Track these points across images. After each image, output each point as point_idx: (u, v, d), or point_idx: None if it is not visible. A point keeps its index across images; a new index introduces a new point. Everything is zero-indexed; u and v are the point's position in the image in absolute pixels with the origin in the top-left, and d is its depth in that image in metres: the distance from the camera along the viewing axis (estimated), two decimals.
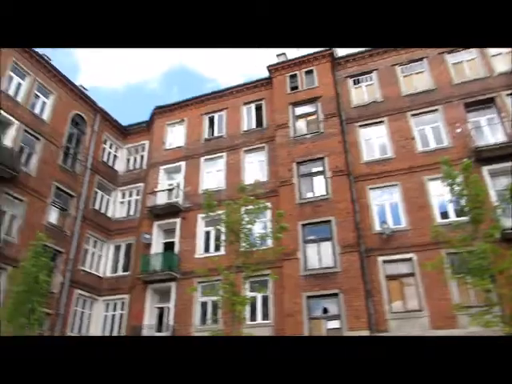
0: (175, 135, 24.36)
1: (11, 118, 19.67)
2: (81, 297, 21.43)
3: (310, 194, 18.59)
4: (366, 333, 14.77)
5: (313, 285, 16.38)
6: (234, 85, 24.16)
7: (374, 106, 19.82)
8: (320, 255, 17.09)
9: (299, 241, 17.36)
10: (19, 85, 20.74)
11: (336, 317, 15.76)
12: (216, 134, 23.31)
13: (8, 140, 19.38)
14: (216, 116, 23.82)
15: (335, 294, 15.94)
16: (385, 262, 16.40)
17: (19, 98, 20.45)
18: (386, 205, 17.67)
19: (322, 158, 18.92)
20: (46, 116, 21.82)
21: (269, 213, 17.71)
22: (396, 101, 19.46)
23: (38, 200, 20.21)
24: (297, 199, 18.39)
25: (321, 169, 18.88)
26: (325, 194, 18.13)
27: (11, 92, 20.19)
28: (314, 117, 20.56)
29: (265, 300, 17.48)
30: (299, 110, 21.05)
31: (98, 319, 21.79)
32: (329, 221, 17.37)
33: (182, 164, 22.90)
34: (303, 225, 17.66)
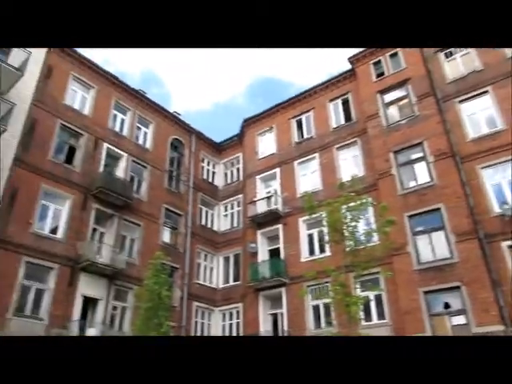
0: (266, 143, 24.80)
1: (120, 151, 21.73)
2: (199, 308, 22.69)
3: (412, 183, 17.56)
4: (498, 327, 13.39)
5: (429, 279, 15.34)
6: (316, 84, 23.93)
7: (474, 76, 18.01)
8: (432, 246, 15.97)
9: (407, 234, 16.45)
10: (122, 120, 22.85)
11: (461, 312, 14.49)
12: (306, 135, 23.25)
13: (120, 171, 21.43)
14: (303, 118, 23.78)
15: (456, 287, 14.70)
16: (510, 247, 14.72)
17: (124, 133, 22.52)
18: (502, 183, 15.88)
19: (420, 143, 17.80)
20: (148, 145, 23.72)
21: (371, 208, 17.13)
22: (500, 65, 17.34)
23: (152, 222, 21.96)
24: (398, 190, 17.49)
25: (421, 154, 17.76)
26: (429, 180, 16.99)
27: (117, 128, 22.33)
28: (405, 101, 19.49)
29: (378, 299, 16.79)
30: (388, 97, 20.13)
31: (217, 329, 22.85)
32: (437, 209, 16.20)
33: (277, 171, 23.20)
34: (409, 216, 16.70)
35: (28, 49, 16.87)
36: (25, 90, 17.75)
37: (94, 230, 19.44)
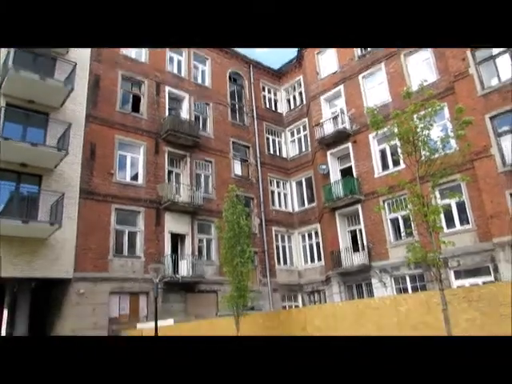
0: (327, 62, 23.62)
1: (181, 92, 22.04)
2: (278, 233, 23.64)
3: (494, 81, 15.91)
4: None
5: None
6: None
7: None
8: None
9: (490, 136, 15.32)
10: (179, 62, 22.89)
11: None
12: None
13: (184, 112, 21.90)
14: None
15: None
16: None
17: (182, 74, 22.64)
18: None
19: None
20: (207, 82, 23.73)
21: (447, 114, 16.08)
22: None
23: (222, 157, 22.60)
24: (478, 91, 16.01)
25: (503, 48, 15.89)
26: None
27: (175, 70, 22.48)
28: None
29: (461, 206, 16.25)
30: None
31: (297, 250, 23.84)
32: None
33: (341, 88, 22.24)
34: (491, 117, 15.44)
35: None
36: (83, 49, 18.24)
37: (170, 172, 20.50)
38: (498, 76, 15.84)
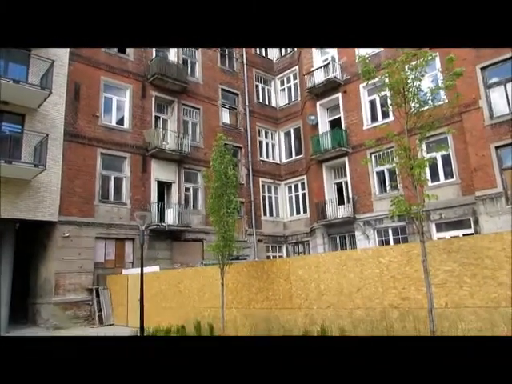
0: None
1: None
2: (265, 184, 23.70)
3: None
4: None
5: (502, 133, 14.48)
6: None
7: None
8: (508, 98, 14.73)
9: (480, 87, 15.18)
10: None
11: None
12: None
13: (172, 55, 21.10)
14: None
15: None
16: None
17: None
18: None
19: None
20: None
21: (438, 65, 15.74)
22: None
23: (210, 105, 22.10)
24: None
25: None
26: None
27: None
28: None
29: (446, 159, 16.41)
30: None
31: (283, 201, 24.04)
32: None
33: None
34: (482, 68, 15.22)
35: None
36: None
37: (157, 117, 20.04)
38: None
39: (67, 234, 15.78)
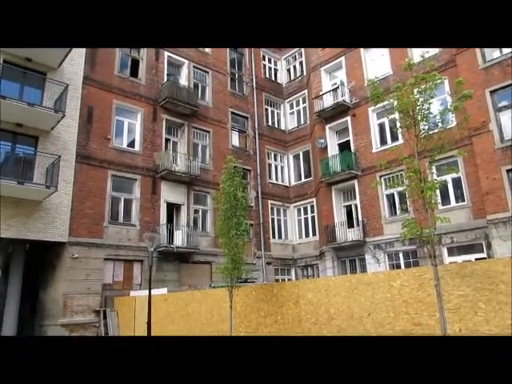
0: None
1: (181, 58, 21.56)
2: (274, 206, 23.65)
3: (496, 54, 15.65)
4: None
5: None
6: None
7: None
8: None
9: (490, 111, 15.17)
10: None
11: None
12: None
13: (183, 79, 21.49)
14: None
15: None
16: None
17: None
18: None
19: None
20: (207, 48, 23.15)
21: (447, 88, 15.82)
22: None
23: (220, 128, 22.35)
24: (480, 63, 15.76)
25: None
26: None
27: None
28: None
29: (457, 182, 16.31)
30: None
31: (292, 224, 23.91)
32: None
33: (342, 59, 21.80)
34: (492, 92, 15.24)
35: None
36: None
37: (167, 140, 20.28)
38: (500, 49, 15.53)
39: (76, 255, 15.81)
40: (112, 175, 17.61)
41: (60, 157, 15.04)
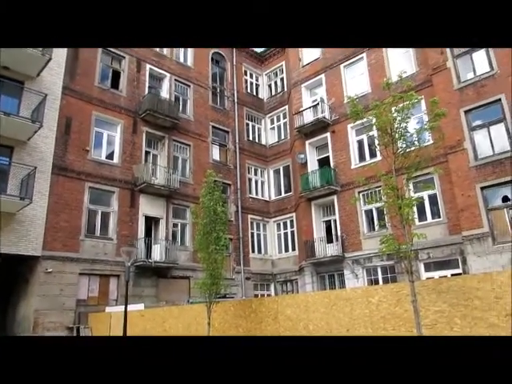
0: (310, 49, 23.46)
1: (162, 71, 21.55)
2: (254, 221, 23.60)
3: (470, 75, 16.17)
4: None
5: (487, 174, 14.81)
6: None
7: None
8: (491, 141, 15.17)
9: (464, 130, 15.61)
10: None
11: None
12: None
13: (164, 92, 21.45)
14: None
15: None
16: None
17: (165, 52, 22.08)
18: None
19: None
20: (189, 62, 23.28)
21: (423, 107, 16.20)
22: None
23: (201, 141, 22.32)
24: (454, 84, 16.25)
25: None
26: (489, 70, 15.58)
27: (157, 48, 21.86)
28: None
29: (433, 199, 16.63)
30: None
31: (272, 238, 23.88)
32: (498, 100, 15.06)
33: (322, 77, 22.18)
34: (466, 111, 15.72)
35: None
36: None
37: (147, 152, 20.11)
38: (474, 70, 16.09)
39: (50, 270, 15.38)
40: (89, 187, 17.32)
41: (36, 168, 14.72)
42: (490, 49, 15.61)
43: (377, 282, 17.41)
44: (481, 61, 15.94)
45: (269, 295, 22.21)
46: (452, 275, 14.74)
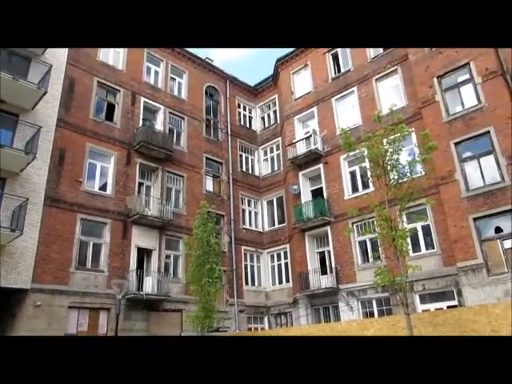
0: (302, 82, 24.01)
1: (157, 104, 21.84)
2: (247, 252, 23.40)
3: (458, 108, 16.56)
4: None
5: (479, 205, 14.91)
6: None
7: None
8: (482, 172, 15.37)
9: (455, 161, 15.83)
10: (156, 72, 22.75)
11: None
12: (342, 69, 22.23)
13: (158, 124, 21.67)
14: (339, 51, 22.63)
15: (508, 211, 14.20)
16: None
17: (159, 85, 22.47)
18: None
19: (467, 64, 16.53)
20: (183, 95, 23.63)
21: (414, 139, 16.50)
22: None
23: (194, 172, 22.38)
24: (444, 117, 16.61)
25: (467, 76, 16.56)
26: (476, 103, 15.97)
27: (152, 81, 22.30)
28: None
29: (426, 229, 16.65)
30: None
31: (266, 270, 23.63)
32: (486, 132, 15.36)
33: (314, 109, 22.60)
34: (456, 143, 15.99)
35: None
36: (59, 49, 17.89)
37: (140, 184, 20.08)
38: (462, 103, 16.48)
39: (39, 303, 15.00)
40: (81, 219, 17.16)
41: (28, 199, 14.61)
42: (477, 83, 16.06)
43: (372, 315, 17.16)
44: (468, 94, 16.36)
45: (262, 328, 21.77)
46: (448, 307, 14.60)
